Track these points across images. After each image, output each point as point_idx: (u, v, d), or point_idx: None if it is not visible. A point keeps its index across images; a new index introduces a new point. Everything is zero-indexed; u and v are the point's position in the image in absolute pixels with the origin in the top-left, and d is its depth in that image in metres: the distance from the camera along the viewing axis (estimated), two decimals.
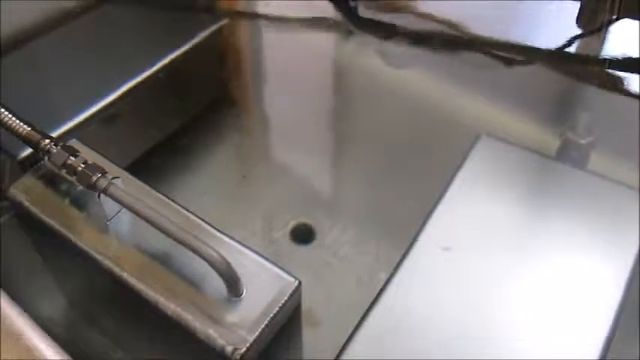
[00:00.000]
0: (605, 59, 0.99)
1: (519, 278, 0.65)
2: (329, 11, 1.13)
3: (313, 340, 0.72)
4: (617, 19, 1.02)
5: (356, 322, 0.62)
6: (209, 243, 0.56)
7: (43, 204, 0.65)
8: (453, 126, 0.92)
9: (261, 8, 1.14)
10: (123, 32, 0.96)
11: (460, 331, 0.61)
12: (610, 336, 0.60)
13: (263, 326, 0.55)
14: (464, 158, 0.75)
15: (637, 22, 1.00)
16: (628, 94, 0.94)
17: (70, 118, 0.82)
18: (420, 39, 1.04)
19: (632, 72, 0.95)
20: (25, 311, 0.54)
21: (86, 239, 0.62)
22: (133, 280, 0.59)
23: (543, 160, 0.77)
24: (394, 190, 0.89)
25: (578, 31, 1.03)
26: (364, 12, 1.11)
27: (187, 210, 0.65)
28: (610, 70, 0.96)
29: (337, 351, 0.60)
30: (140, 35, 0.96)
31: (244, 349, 0.54)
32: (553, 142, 0.85)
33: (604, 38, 1.02)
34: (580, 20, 1.04)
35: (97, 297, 0.72)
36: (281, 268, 0.60)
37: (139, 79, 0.88)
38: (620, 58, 0.97)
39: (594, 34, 1.03)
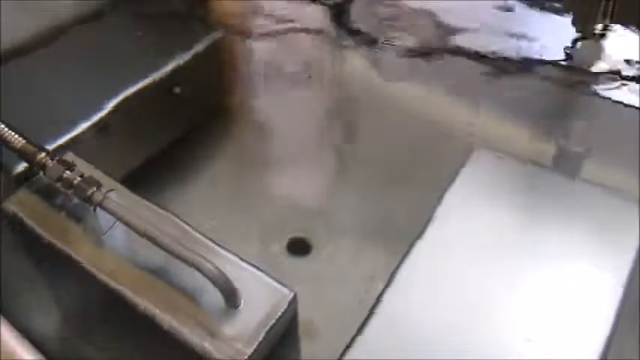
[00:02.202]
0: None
1: (517, 285, 0.65)
2: (324, 23, 1.13)
3: (311, 351, 0.72)
4: (608, 29, 1.03)
5: (353, 332, 0.62)
6: (206, 256, 0.56)
7: (37, 218, 0.65)
8: (447, 138, 0.92)
9: (256, 20, 1.14)
10: (118, 45, 0.96)
11: (460, 339, 0.61)
12: (609, 337, 0.60)
13: (260, 339, 0.55)
14: (458, 170, 0.76)
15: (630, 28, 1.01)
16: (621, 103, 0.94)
17: (67, 131, 0.82)
18: (412, 51, 1.04)
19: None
20: (18, 326, 0.54)
21: (81, 252, 0.62)
22: (128, 294, 0.58)
23: (538, 171, 0.77)
24: (390, 201, 0.89)
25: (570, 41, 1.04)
26: (359, 24, 1.12)
27: (184, 222, 0.65)
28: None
29: None
30: (136, 48, 0.97)
31: None
32: (548, 152, 0.86)
33: (599, 45, 1.03)
34: (575, 26, 1.05)
35: (92, 311, 0.71)
36: (277, 281, 0.60)
37: (134, 90, 0.88)
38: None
39: (586, 42, 1.03)
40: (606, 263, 0.66)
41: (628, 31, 1.04)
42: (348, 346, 0.60)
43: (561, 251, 0.68)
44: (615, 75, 0.98)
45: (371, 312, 0.63)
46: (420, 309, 0.64)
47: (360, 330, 0.62)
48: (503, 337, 0.61)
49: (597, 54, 1.02)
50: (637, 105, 0.93)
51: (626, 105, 0.94)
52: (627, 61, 0.99)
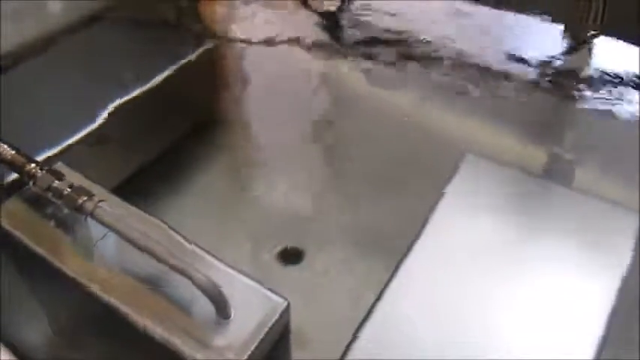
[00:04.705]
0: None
1: (510, 289, 0.65)
2: (317, 32, 1.13)
3: None
4: (599, 34, 1.03)
5: (346, 340, 0.62)
6: (197, 265, 0.55)
7: (27, 228, 0.64)
8: (439, 145, 0.93)
9: (248, 30, 1.15)
10: (109, 54, 0.96)
11: (454, 342, 0.61)
12: (603, 338, 0.61)
13: (252, 348, 0.55)
14: (450, 177, 0.76)
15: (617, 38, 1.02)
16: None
17: (59, 141, 0.82)
18: (405, 60, 1.05)
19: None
20: (7, 338, 0.53)
21: (71, 263, 0.61)
22: (119, 305, 0.58)
23: (528, 178, 0.78)
24: (382, 209, 0.89)
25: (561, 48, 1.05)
26: (352, 33, 1.12)
27: (176, 231, 0.64)
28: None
29: None
30: (127, 57, 0.97)
31: None
32: (539, 160, 0.86)
33: (588, 53, 1.03)
34: (565, 35, 1.06)
35: (83, 322, 0.71)
36: (269, 290, 0.59)
37: (126, 100, 0.88)
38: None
39: (578, 50, 1.04)
40: (600, 267, 0.67)
41: (621, 39, 1.05)
42: (343, 355, 0.60)
43: (554, 256, 0.69)
44: (607, 83, 0.98)
45: (363, 321, 0.63)
46: (414, 315, 0.64)
47: (352, 340, 0.62)
48: (498, 339, 0.62)
49: (588, 61, 1.02)
50: (633, 113, 0.93)
51: (618, 114, 0.94)
52: (614, 73, 1.00)
